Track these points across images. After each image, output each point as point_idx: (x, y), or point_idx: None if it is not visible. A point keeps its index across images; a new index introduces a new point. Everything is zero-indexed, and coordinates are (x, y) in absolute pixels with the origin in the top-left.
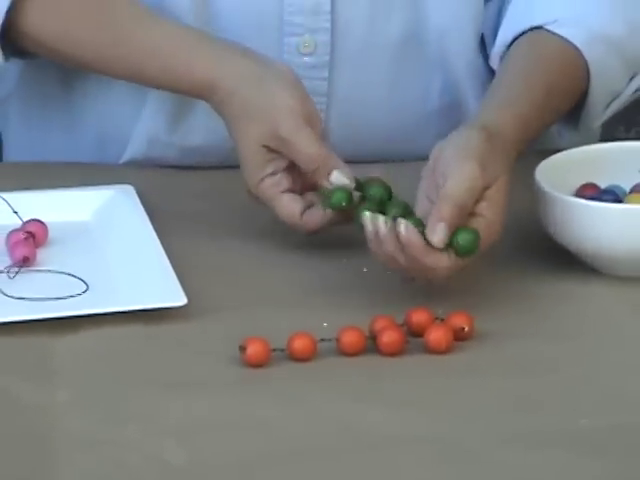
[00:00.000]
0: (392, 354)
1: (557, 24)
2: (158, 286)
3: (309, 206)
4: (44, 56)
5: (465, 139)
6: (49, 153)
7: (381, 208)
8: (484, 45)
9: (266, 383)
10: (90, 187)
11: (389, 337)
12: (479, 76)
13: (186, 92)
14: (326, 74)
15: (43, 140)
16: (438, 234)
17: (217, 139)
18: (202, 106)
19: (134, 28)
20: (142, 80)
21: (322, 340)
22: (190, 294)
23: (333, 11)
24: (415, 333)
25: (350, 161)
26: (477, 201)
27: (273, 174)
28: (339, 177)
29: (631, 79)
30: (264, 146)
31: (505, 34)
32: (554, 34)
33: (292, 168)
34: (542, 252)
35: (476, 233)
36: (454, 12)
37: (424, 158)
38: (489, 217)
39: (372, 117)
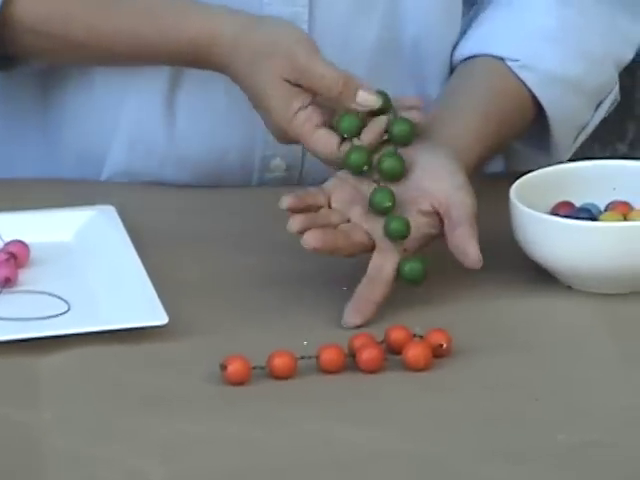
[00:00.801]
0: (371, 371)
1: (518, 64)
2: (139, 305)
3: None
4: (32, 50)
5: (446, 164)
6: (28, 169)
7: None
8: None
9: (247, 401)
10: (71, 207)
11: (368, 354)
12: None
13: (184, 53)
14: None
15: (21, 156)
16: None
17: (199, 149)
18: (183, 115)
19: None
20: (139, 47)
21: (302, 358)
22: (171, 312)
23: (310, 18)
24: (394, 350)
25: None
26: None
27: (303, 108)
28: (366, 96)
29: (598, 106)
30: (286, 80)
31: (464, 48)
32: (513, 72)
33: (320, 103)
34: (518, 269)
35: (424, 262)
36: (430, 20)
37: None
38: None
39: None
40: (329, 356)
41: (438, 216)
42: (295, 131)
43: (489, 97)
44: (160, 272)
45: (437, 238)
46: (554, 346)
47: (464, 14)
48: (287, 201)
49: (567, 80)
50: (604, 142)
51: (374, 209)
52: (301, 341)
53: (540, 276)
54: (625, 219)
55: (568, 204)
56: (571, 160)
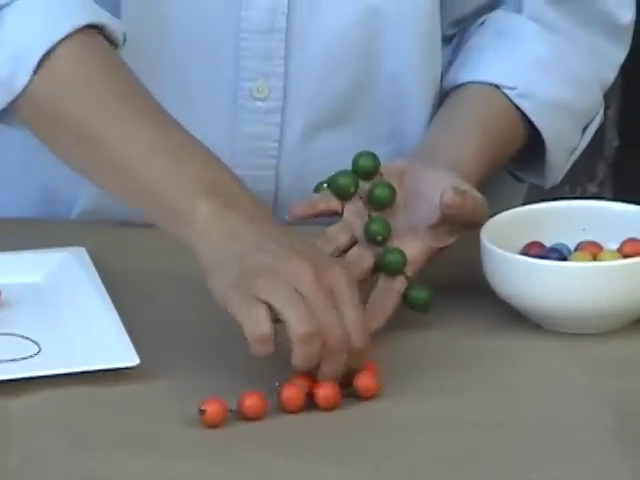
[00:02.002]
0: (329, 409)
1: (515, 92)
2: (110, 346)
3: None
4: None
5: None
6: None
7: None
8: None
9: (219, 443)
10: (42, 249)
11: (324, 391)
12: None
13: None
14: (279, 119)
15: None
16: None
17: None
18: None
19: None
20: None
21: (270, 394)
22: (143, 354)
23: (287, 56)
24: (345, 382)
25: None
26: None
27: None
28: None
29: (584, 130)
30: None
31: (458, 76)
32: (509, 99)
33: None
34: (489, 309)
35: (429, 289)
36: (408, 57)
37: None
38: None
39: (321, 163)
40: (288, 395)
41: (448, 224)
42: None
43: (486, 118)
44: (131, 313)
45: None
46: (525, 385)
47: (443, 47)
48: (298, 210)
49: (559, 105)
50: (574, 183)
51: (369, 239)
52: (273, 382)
53: (511, 316)
54: (595, 259)
55: (538, 244)
56: (542, 200)
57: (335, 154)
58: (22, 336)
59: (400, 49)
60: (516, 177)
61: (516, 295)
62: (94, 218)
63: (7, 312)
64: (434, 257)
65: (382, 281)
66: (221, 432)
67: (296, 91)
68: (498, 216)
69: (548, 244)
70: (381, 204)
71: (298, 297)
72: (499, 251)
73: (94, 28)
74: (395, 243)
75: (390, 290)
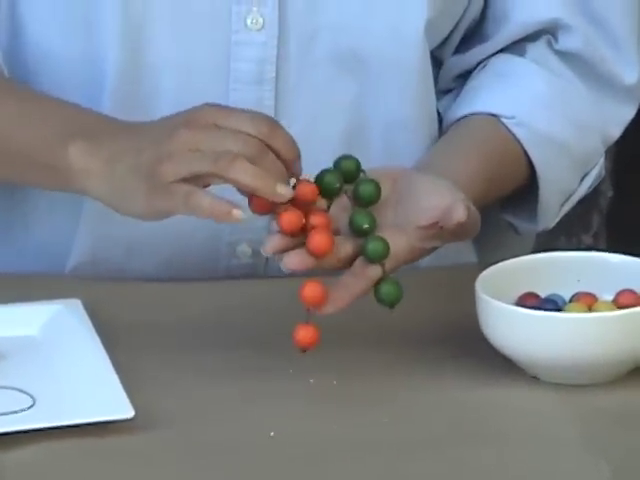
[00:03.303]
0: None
1: (513, 121)
2: (105, 399)
3: None
4: None
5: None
6: None
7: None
8: None
9: None
10: (37, 302)
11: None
12: None
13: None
14: None
15: None
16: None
17: (165, 233)
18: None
19: None
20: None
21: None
22: (138, 406)
23: (277, 106)
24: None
25: (290, 274)
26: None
27: None
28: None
29: (582, 179)
30: None
31: (457, 110)
32: (507, 128)
33: None
34: (484, 359)
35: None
36: (401, 104)
37: None
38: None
39: None
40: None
41: (437, 228)
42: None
43: (484, 141)
44: (126, 365)
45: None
46: (520, 437)
47: (444, 96)
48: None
49: (556, 142)
50: (569, 234)
51: (354, 231)
52: (268, 432)
53: (506, 366)
54: (590, 310)
55: (533, 295)
56: (537, 252)
57: None
58: (16, 389)
59: (390, 100)
60: (512, 226)
61: (511, 346)
62: (89, 271)
63: (1, 364)
64: (416, 258)
65: (357, 265)
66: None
67: None
68: (494, 267)
69: (543, 295)
70: (365, 200)
71: (206, 154)
72: (494, 301)
73: None
74: (378, 229)
75: (362, 275)
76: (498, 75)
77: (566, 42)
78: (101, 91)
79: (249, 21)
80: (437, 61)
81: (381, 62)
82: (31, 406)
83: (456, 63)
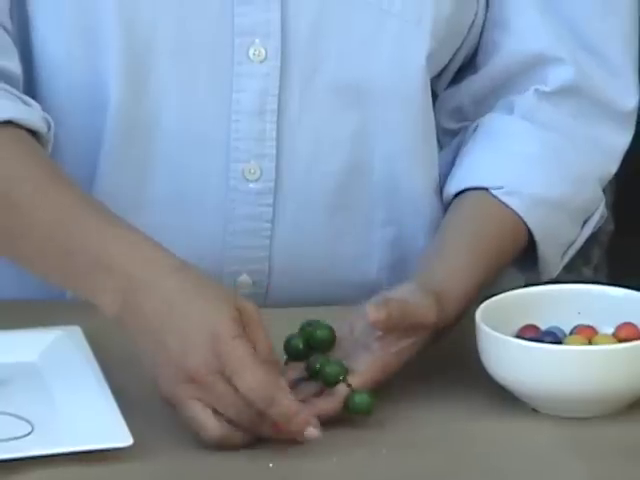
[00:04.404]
0: None
1: (502, 191)
2: (104, 427)
3: None
4: None
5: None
6: None
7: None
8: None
9: None
10: (38, 328)
11: None
12: (426, 212)
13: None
14: (271, 200)
15: None
16: (380, 310)
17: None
18: (150, 232)
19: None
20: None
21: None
22: (136, 434)
23: (279, 138)
24: None
25: (290, 304)
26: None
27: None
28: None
29: (585, 223)
30: None
31: (450, 187)
32: (498, 199)
33: None
34: (483, 391)
35: (372, 395)
36: (400, 141)
37: (364, 289)
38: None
39: (315, 246)
40: None
41: (391, 332)
42: None
43: (477, 233)
44: (125, 392)
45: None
46: (519, 470)
47: (445, 144)
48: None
49: (551, 202)
50: (569, 267)
51: (325, 382)
52: (267, 463)
53: (505, 398)
54: (590, 343)
55: (533, 327)
56: (537, 284)
57: (329, 237)
58: (15, 415)
59: (392, 131)
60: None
61: (511, 378)
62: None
63: (1, 390)
64: (394, 366)
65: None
66: None
67: (288, 172)
68: (494, 298)
69: (543, 327)
70: (321, 345)
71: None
72: (494, 333)
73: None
74: (346, 359)
75: (332, 395)
76: (488, 138)
77: (558, 76)
78: (104, 117)
79: (251, 53)
80: (432, 93)
81: (383, 93)
82: (29, 433)
83: (449, 96)
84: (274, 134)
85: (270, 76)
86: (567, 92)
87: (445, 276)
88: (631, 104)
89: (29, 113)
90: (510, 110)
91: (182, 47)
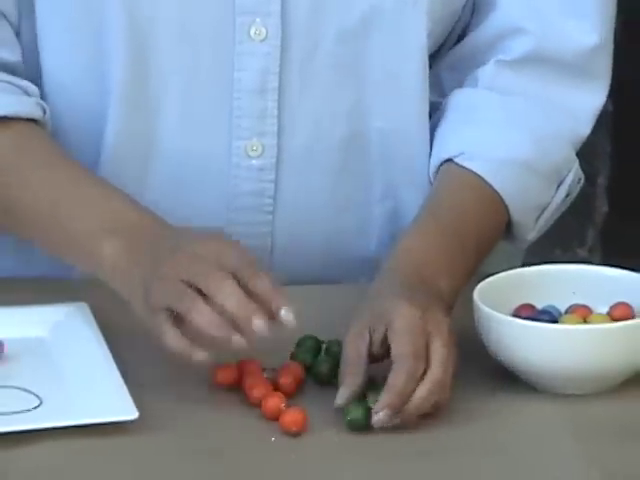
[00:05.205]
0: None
1: (463, 157)
2: (110, 400)
3: None
4: None
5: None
6: (2, 271)
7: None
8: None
9: None
10: (46, 305)
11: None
12: (423, 185)
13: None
14: (273, 176)
15: None
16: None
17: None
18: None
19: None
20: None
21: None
22: (142, 407)
23: (280, 115)
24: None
25: (291, 282)
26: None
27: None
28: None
29: (558, 186)
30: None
31: (430, 167)
32: (459, 166)
33: None
34: (482, 370)
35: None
36: (398, 116)
37: (363, 264)
38: (435, 375)
39: (316, 221)
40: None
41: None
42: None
43: (441, 205)
44: (132, 366)
45: None
46: (518, 447)
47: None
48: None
49: (517, 163)
50: (565, 247)
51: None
52: (269, 437)
53: (503, 376)
54: (585, 322)
55: (530, 306)
56: (533, 264)
57: (330, 211)
58: (24, 389)
59: (389, 106)
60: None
61: (508, 356)
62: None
63: (10, 365)
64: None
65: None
66: None
67: (289, 148)
68: (491, 278)
69: (539, 306)
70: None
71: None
72: (491, 312)
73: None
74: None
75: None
76: (454, 113)
77: (519, 46)
78: (108, 95)
79: (252, 32)
80: None
81: (381, 70)
82: (37, 406)
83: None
84: (275, 112)
85: (271, 55)
86: (528, 60)
87: (420, 259)
88: (592, 40)
89: (21, 104)
90: (475, 83)
91: (184, 27)
